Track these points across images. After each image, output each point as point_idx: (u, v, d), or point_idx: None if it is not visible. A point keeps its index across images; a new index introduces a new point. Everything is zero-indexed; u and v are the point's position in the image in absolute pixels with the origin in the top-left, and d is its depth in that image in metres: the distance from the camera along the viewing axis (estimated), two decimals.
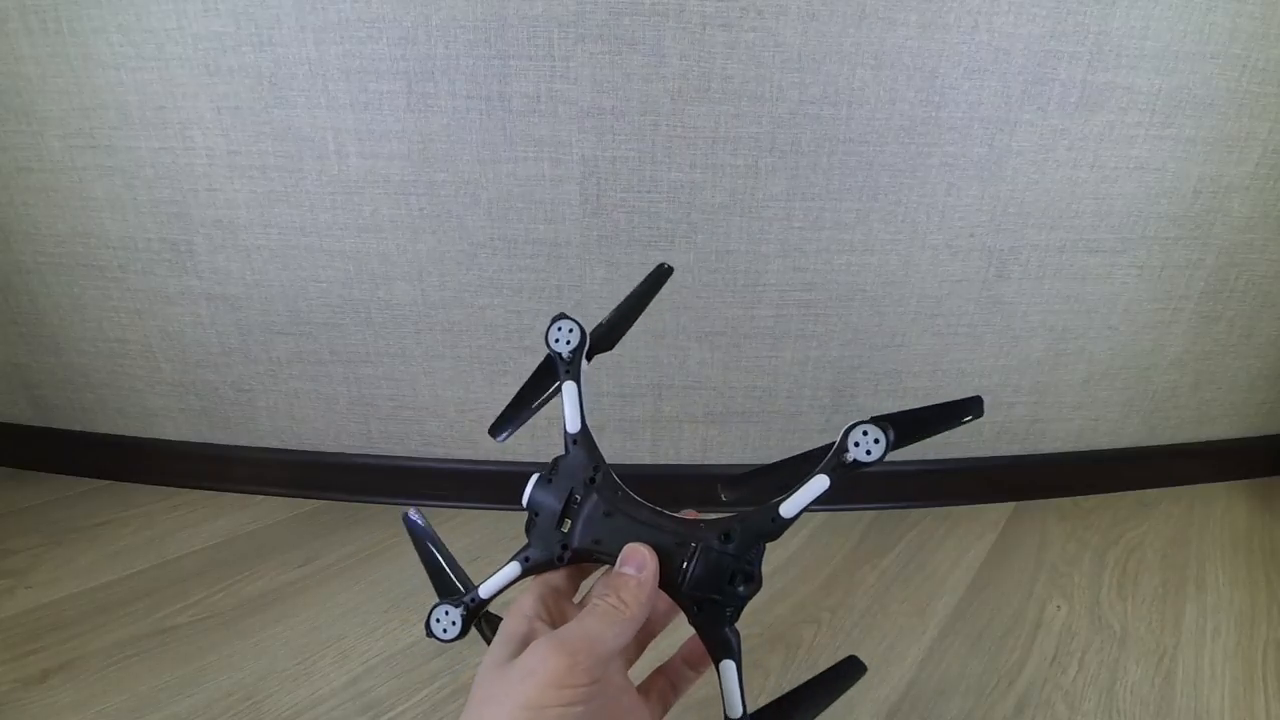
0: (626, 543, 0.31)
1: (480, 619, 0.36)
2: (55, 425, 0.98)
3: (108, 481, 0.97)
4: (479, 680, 0.28)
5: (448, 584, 0.37)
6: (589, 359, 0.38)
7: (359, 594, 0.76)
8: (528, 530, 0.33)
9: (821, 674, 0.34)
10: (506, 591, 0.35)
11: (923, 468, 0.94)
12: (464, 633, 0.35)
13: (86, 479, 0.98)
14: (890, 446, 0.28)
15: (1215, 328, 0.92)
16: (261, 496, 0.94)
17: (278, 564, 0.81)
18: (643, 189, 0.76)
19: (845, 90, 0.72)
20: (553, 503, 0.33)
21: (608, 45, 0.69)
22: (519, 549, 0.34)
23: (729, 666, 0.30)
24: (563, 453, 0.35)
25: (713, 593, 0.30)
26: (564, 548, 0.32)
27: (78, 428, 0.97)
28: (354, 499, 0.94)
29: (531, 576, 0.34)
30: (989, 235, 0.81)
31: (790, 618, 0.73)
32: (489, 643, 0.34)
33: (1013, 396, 0.93)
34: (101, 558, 0.81)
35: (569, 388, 0.36)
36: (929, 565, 0.82)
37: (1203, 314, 0.91)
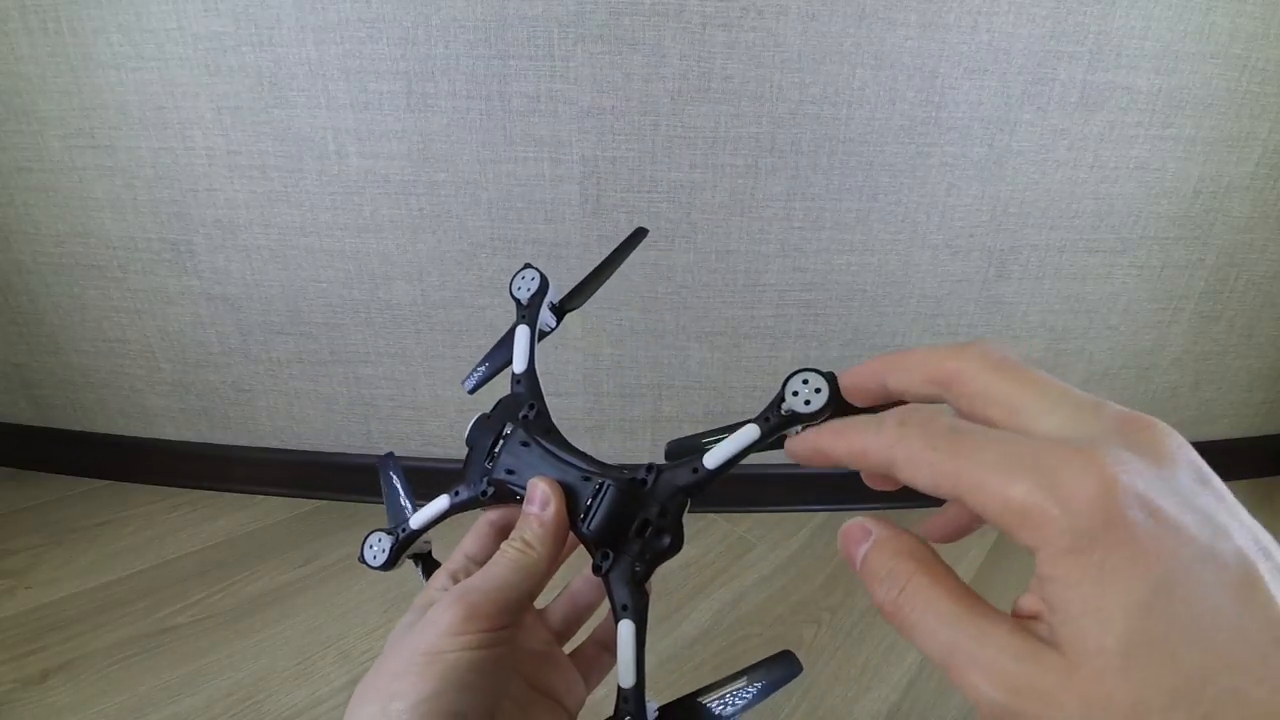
0: (535, 476, 0.29)
1: (421, 562, 0.36)
2: (55, 425, 0.98)
3: (108, 481, 0.97)
4: (387, 644, 0.27)
5: (398, 519, 0.37)
6: (557, 315, 0.37)
7: (359, 594, 0.76)
8: (464, 467, 0.32)
9: (752, 666, 0.31)
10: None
11: None
12: (392, 562, 0.34)
13: (86, 479, 0.98)
14: (831, 403, 0.24)
15: (1215, 328, 0.92)
16: (261, 496, 0.94)
17: (278, 564, 0.81)
18: (643, 189, 0.76)
19: (845, 90, 0.72)
20: (486, 438, 0.32)
21: (608, 45, 0.69)
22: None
23: (626, 629, 0.27)
24: (509, 394, 0.34)
25: (617, 541, 0.27)
26: (487, 482, 0.31)
27: (78, 428, 0.98)
28: (354, 499, 0.94)
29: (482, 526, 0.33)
30: (989, 235, 0.81)
31: (790, 618, 0.73)
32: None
33: None
34: (101, 558, 0.81)
35: (521, 330, 0.35)
36: None
37: (1203, 314, 0.91)
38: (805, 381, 0.25)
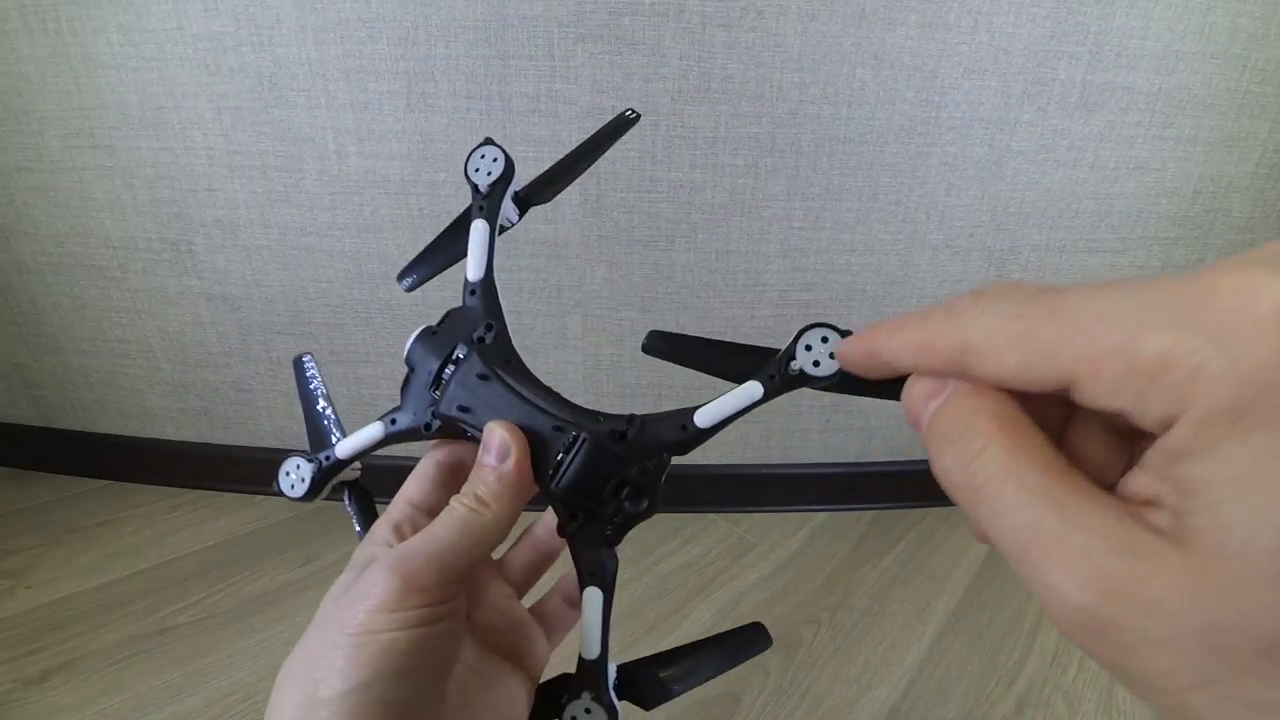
0: (494, 418, 0.25)
1: (350, 496, 0.31)
2: (55, 425, 0.98)
3: (108, 481, 0.97)
4: (319, 610, 0.23)
5: (321, 442, 0.32)
6: (520, 208, 0.31)
7: None
8: (402, 390, 0.28)
9: (718, 636, 0.28)
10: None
11: (923, 468, 0.94)
12: (312, 493, 0.30)
13: (86, 479, 0.98)
14: (841, 372, 0.21)
15: None
16: (261, 496, 0.94)
17: (278, 564, 0.81)
18: (643, 189, 0.76)
19: (845, 90, 0.72)
20: (431, 360, 0.27)
21: (608, 45, 0.69)
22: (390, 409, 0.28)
23: (593, 596, 0.24)
24: (460, 305, 0.28)
25: (590, 501, 0.24)
26: (434, 414, 0.26)
27: (78, 428, 0.97)
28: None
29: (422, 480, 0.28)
30: (989, 235, 0.81)
31: (790, 618, 0.73)
32: (357, 525, 0.30)
33: None
34: (101, 558, 0.81)
35: (479, 226, 0.29)
36: (929, 565, 0.82)
37: None
38: (824, 340, 0.21)
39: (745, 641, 0.28)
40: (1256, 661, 0.10)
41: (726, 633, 0.28)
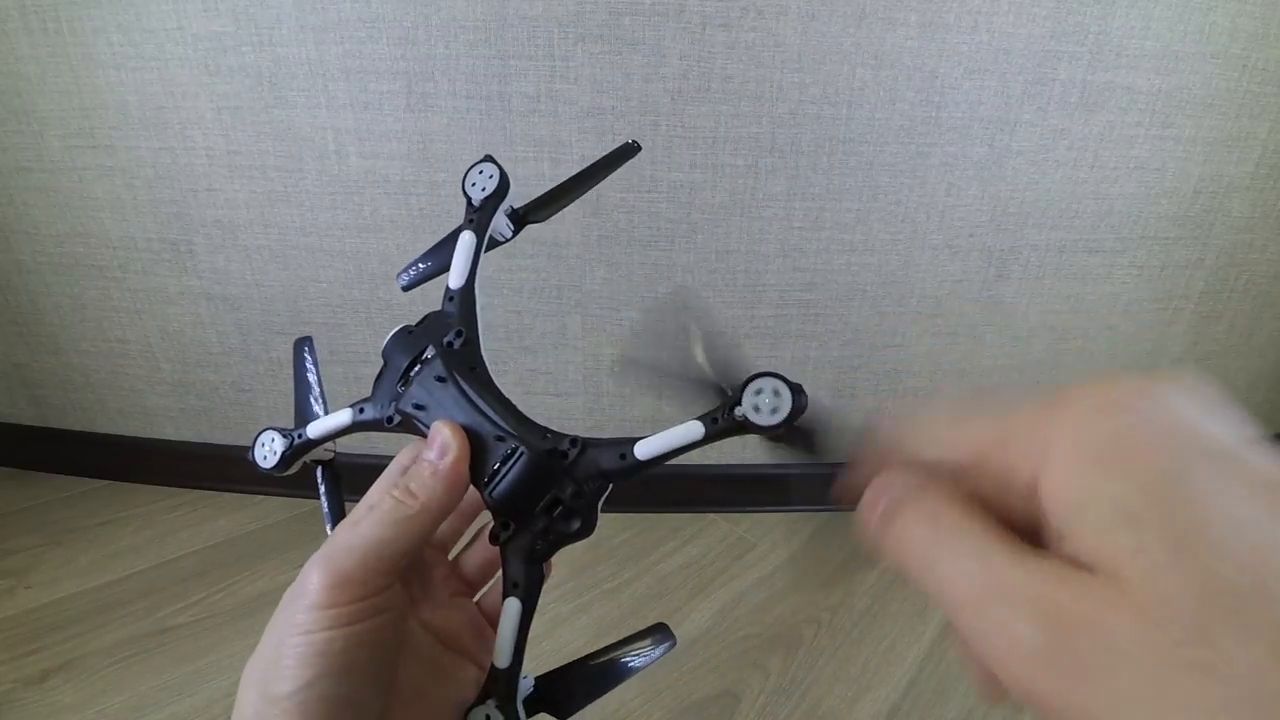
0: (443, 418, 0.26)
1: (323, 476, 0.32)
2: (55, 425, 0.98)
3: (108, 481, 0.97)
4: (280, 603, 0.24)
5: (303, 422, 0.33)
6: (515, 225, 0.32)
7: None
8: (375, 382, 0.29)
9: (627, 638, 0.29)
10: None
11: None
12: (282, 467, 0.31)
13: (86, 479, 0.98)
14: (792, 417, 0.21)
15: (1215, 328, 0.92)
16: (261, 496, 0.94)
17: (278, 564, 0.81)
18: (643, 189, 0.76)
19: (845, 90, 0.72)
20: (402, 358, 0.28)
21: (608, 45, 0.69)
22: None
23: (512, 607, 0.24)
24: (439, 309, 0.30)
25: (522, 514, 0.24)
26: (395, 409, 0.27)
27: (78, 428, 0.97)
28: (354, 499, 0.93)
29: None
30: (989, 235, 0.81)
31: (790, 618, 0.73)
32: (325, 504, 0.31)
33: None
34: (101, 558, 0.81)
35: (465, 237, 0.30)
36: None
37: (1203, 314, 0.91)
38: (776, 392, 0.22)
39: (655, 643, 0.30)
40: (1190, 667, 0.11)
41: (631, 636, 0.29)
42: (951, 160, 0.76)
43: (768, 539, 0.86)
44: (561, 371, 0.86)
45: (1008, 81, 0.73)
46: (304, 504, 0.93)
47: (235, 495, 0.95)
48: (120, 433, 0.97)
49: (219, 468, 0.95)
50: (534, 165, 0.75)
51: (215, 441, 0.96)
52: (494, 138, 0.74)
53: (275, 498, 0.94)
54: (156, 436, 0.96)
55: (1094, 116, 0.76)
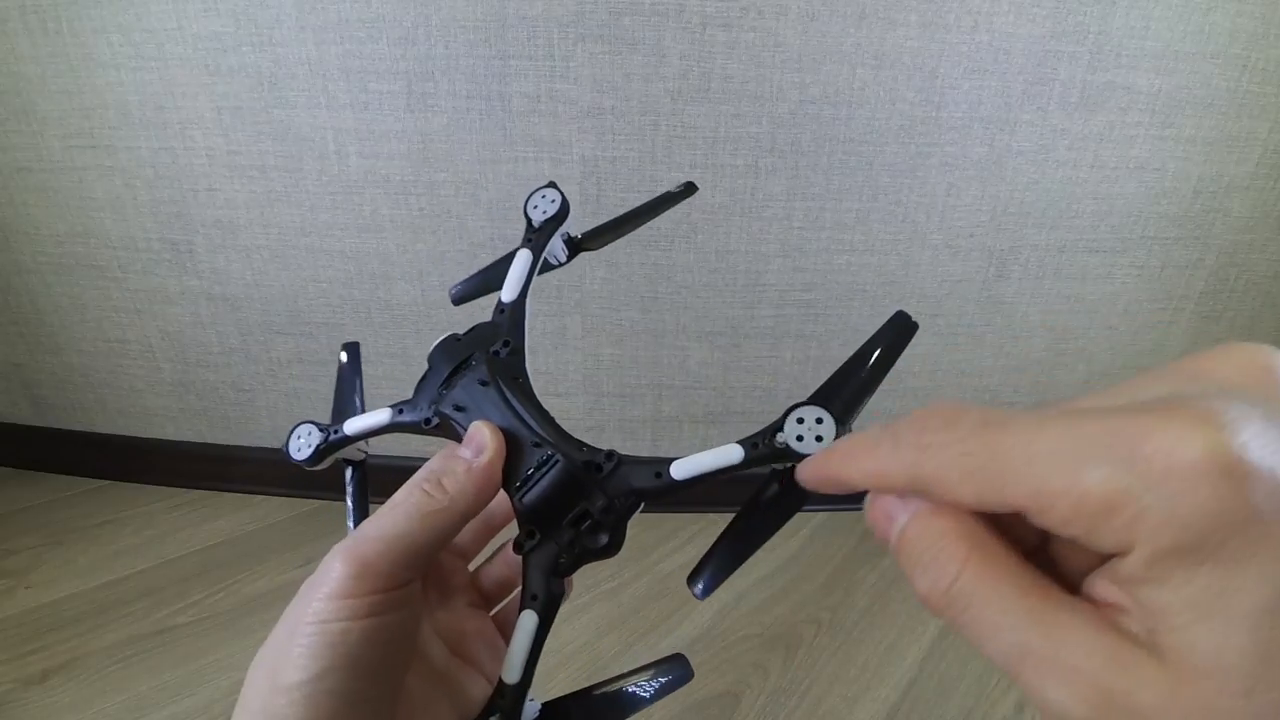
0: (482, 419, 0.26)
1: (352, 475, 0.33)
2: (55, 425, 0.98)
3: (108, 481, 0.97)
4: (298, 592, 0.23)
5: (340, 419, 0.33)
6: (570, 250, 0.33)
7: None
8: (417, 386, 0.29)
9: (642, 667, 0.28)
10: None
11: None
12: (315, 460, 0.31)
13: (86, 479, 0.98)
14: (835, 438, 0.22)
15: (1215, 328, 0.92)
16: (261, 496, 0.94)
17: (278, 564, 0.81)
18: (643, 189, 0.76)
19: (845, 90, 0.72)
20: (446, 363, 0.28)
21: (608, 45, 0.69)
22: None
23: (528, 620, 0.24)
24: (488, 320, 0.31)
25: (549, 524, 0.24)
26: (434, 411, 0.28)
27: (78, 428, 0.97)
28: (379, 501, 0.93)
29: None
30: (989, 235, 0.81)
31: (790, 618, 0.73)
32: (350, 502, 0.32)
33: (1012, 396, 0.93)
34: (101, 558, 0.81)
35: (522, 254, 0.31)
36: None
37: (1203, 314, 0.91)
38: (819, 420, 0.22)
39: (669, 674, 0.29)
40: None
41: (645, 665, 0.29)
42: (951, 160, 0.76)
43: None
44: (561, 371, 0.86)
45: (1008, 81, 0.73)
46: (304, 504, 0.93)
47: (235, 495, 0.95)
48: (120, 433, 0.97)
49: (219, 468, 0.95)
50: (534, 165, 0.75)
51: (215, 441, 0.96)
52: (494, 138, 0.74)
53: (275, 498, 0.94)
54: (156, 436, 0.96)
55: (1094, 116, 0.76)
